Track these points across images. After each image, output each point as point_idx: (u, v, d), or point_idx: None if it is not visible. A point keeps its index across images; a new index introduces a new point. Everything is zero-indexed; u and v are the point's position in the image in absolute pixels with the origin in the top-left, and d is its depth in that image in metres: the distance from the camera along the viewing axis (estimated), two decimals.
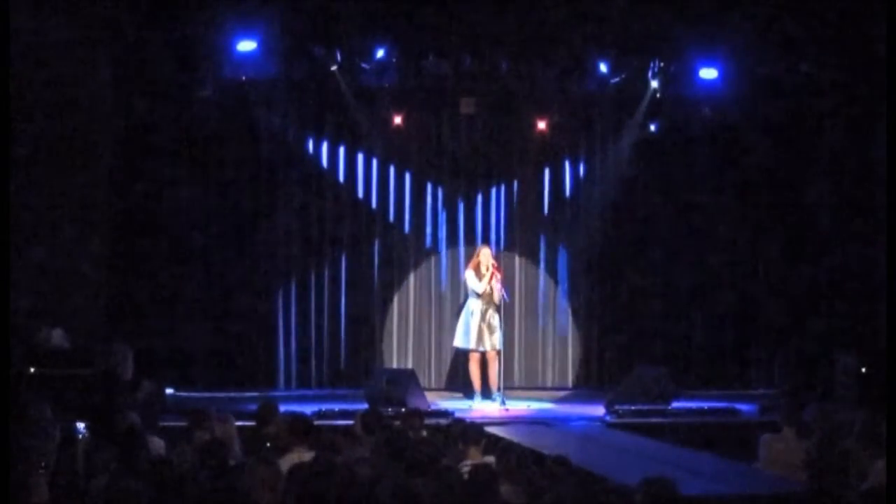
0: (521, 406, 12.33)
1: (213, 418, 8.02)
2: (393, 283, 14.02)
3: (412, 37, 13.05)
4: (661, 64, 13.48)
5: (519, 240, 14.22)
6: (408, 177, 14.06)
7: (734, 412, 11.77)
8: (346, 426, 8.55)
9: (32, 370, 10.05)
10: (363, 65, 13.16)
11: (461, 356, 13.22)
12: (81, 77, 12.17)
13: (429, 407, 11.45)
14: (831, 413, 8.44)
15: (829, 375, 12.35)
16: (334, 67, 13.07)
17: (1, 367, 8.61)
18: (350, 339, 13.88)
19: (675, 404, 11.79)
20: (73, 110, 12.10)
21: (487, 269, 12.48)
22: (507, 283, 12.98)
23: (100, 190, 12.50)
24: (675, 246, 14.19)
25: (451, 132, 14.03)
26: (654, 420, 11.27)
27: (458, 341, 12.84)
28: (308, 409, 10.69)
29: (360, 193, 13.99)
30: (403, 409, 10.31)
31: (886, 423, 7.07)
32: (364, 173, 14.00)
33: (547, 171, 14.26)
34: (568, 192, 14.33)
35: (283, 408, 8.96)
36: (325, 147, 13.90)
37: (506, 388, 12.48)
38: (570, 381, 14.21)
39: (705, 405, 12.11)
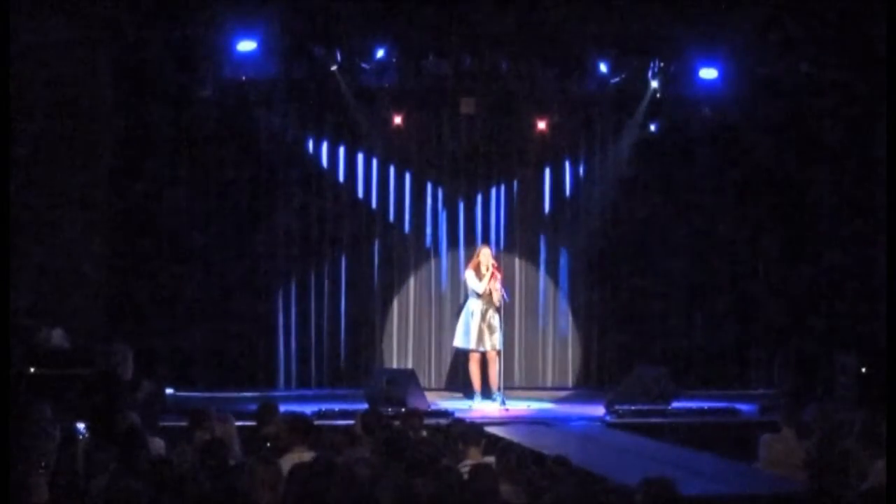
0: (521, 406, 12.32)
1: (213, 418, 8.02)
2: (393, 283, 14.02)
3: (412, 37, 13.05)
4: (661, 64, 13.48)
5: (519, 240, 14.22)
6: (408, 177, 14.06)
7: (734, 412, 11.77)
8: (346, 426, 8.54)
9: (32, 370, 10.05)
10: (363, 65, 13.16)
11: (461, 356, 13.22)
12: (81, 77, 12.17)
13: (429, 407, 11.45)
14: (831, 413, 8.45)
15: (829, 375, 12.36)
16: (334, 67, 13.07)
17: (1, 367, 8.61)
18: (350, 340, 13.88)
19: (675, 404, 11.79)
20: (73, 110, 12.10)
21: (487, 269, 12.48)
22: (507, 283, 12.98)
23: (100, 190, 12.50)
24: (675, 246, 14.19)
25: (451, 132, 14.03)
26: (654, 420, 11.27)
27: (459, 341, 12.84)
28: (308, 409, 10.68)
29: (360, 193, 13.99)
30: (403, 409, 10.31)
31: (886, 423, 7.07)
32: (364, 173, 14.00)
33: (547, 171, 14.27)
34: (568, 192, 14.34)
35: (283, 408, 8.95)
36: (324, 147, 13.90)
37: (506, 388, 12.48)
38: (570, 381, 14.21)
39: (705, 405, 12.10)
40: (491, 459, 6.97)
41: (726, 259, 14.22)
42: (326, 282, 13.86)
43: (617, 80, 13.51)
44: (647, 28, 12.98)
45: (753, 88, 13.61)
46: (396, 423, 8.68)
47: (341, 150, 13.93)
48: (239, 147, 13.52)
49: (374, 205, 13.97)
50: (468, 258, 13.23)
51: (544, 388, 13.93)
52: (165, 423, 9.83)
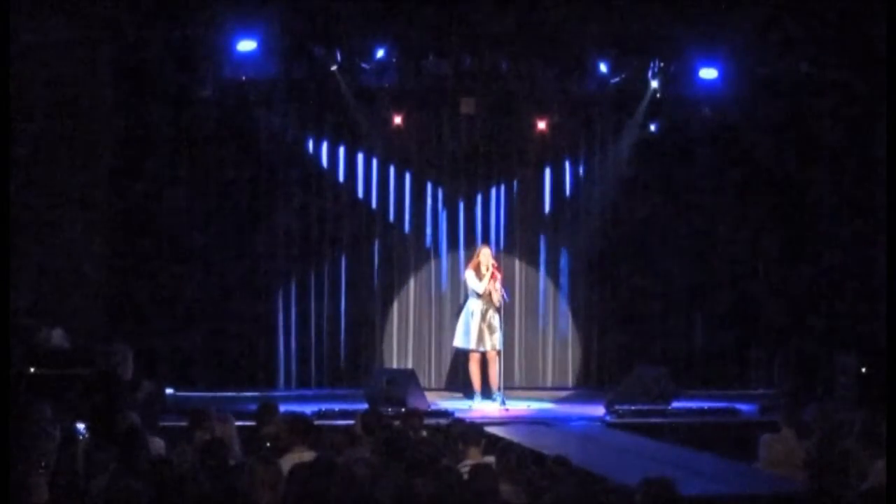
0: (521, 406, 12.32)
1: (213, 418, 8.02)
2: (393, 283, 14.02)
3: (412, 37, 13.05)
4: (661, 64, 13.48)
5: (519, 240, 14.22)
6: (408, 177, 14.06)
7: (734, 412, 11.77)
8: (346, 426, 8.54)
9: (32, 370, 10.05)
10: (363, 65, 13.16)
11: (461, 356, 13.22)
12: (81, 77, 12.17)
13: (429, 407, 11.45)
14: (831, 413, 8.45)
15: (829, 375, 12.37)
16: (334, 67, 13.07)
17: (1, 367, 8.61)
18: (350, 340, 13.88)
19: (675, 404, 11.79)
20: (73, 110, 12.10)
21: (487, 269, 12.48)
22: (507, 283, 12.98)
23: (100, 190, 12.50)
24: (675, 246, 14.19)
25: (451, 132, 14.03)
26: (654, 420, 11.27)
27: (459, 341, 12.84)
28: (308, 409, 10.68)
29: (360, 193, 13.99)
30: (403, 409, 10.31)
31: (886, 423, 7.08)
32: (364, 173, 14.00)
33: (547, 171, 14.27)
34: (568, 192, 14.34)
35: (283, 408, 8.95)
36: (324, 147, 13.90)
37: (506, 388, 12.48)
38: (570, 381, 14.21)
39: (705, 405, 12.10)
40: (491, 459, 6.97)
41: (726, 259, 14.22)
42: (326, 282, 13.86)
43: (617, 80, 13.51)
44: (647, 28, 12.98)
45: (753, 88, 13.61)
46: (396, 423, 8.68)
47: (341, 150, 13.93)
48: (239, 147, 13.52)
49: (374, 205, 13.97)
50: (468, 258, 13.23)
51: (544, 388, 13.93)
52: (165, 423, 9.83)
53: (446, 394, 13.41)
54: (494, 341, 12.53)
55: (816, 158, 13.88)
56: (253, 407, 9.37)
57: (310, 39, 13.00)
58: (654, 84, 13.56)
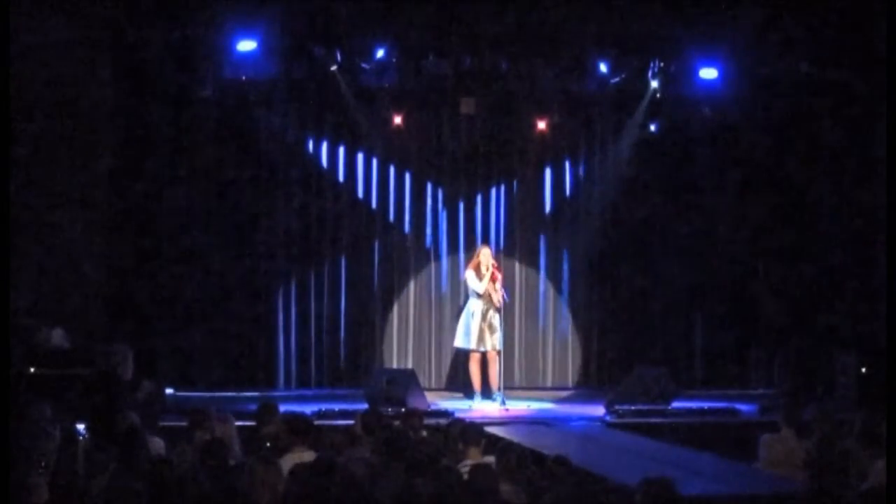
0: (521, 406, 12.32)
1: (213, 418, 8.02)
2: (393, 283, 14.02)
3: (412, 37, 13.05)
4: (661, 64, 13.47)
5: (519, 240, 14.22)
6: (408, 177, 14.06)
7: (734, 412, 11.76)
8: (346, 426, 8.53)
9: (32, 370, 10.05)
10: (363, 65, 13.16)
11: (461, 356, 13.22)
12: (81, 77, 12.17)
13: (429, 407, 11.44)
14: (831, 413, 8.46)
15: (829, 375, 12.37)
16: (334, 67, 13.06)
17: (1, 367, 8.61)
18: (350, 340, 13.88)
19: (675, 404, 11.78)
20: (73, 110, 12.10)
21: (487, 270, 12.48)
22: (508, 283, 12.98)
23: (100, 190, 12.50)
24: (675, 246, 14.19)
25: (451, 132, 14.02)
26: (654, 420, 11.26)
27: (459, 341, 12.83)
28: (308, 409, 10.68)
29: (360, 193, 13.99)
30: (403, 409, 10.29)
31: (886, 423, 7.08)
32: (364, 173, 14.00)
33: (547, 171, 14.27)
34: (568, 192, 14.34)
35: (283, 408, 8.94)
36: (325, 147, 13.90)
37: (506, 388, 12.47)
38: (570, 382, 14.21)
39: (705, 405, 12.09)
40: (491, 459, 6.97)
41: (726, 259, 14.22)
42: (326, 282, 13.86)
43: (617, 80, 13.51)
44: (647, 28, 12.98)
45: (753, 88, 13.61)
46: (396, 423, 8.67)
47: (341, 150, 13.93)
48: (239, 147, 13.52)
49: (374, 205, 13.97)
50: (468, 258, 13.23)
51: (544, 388, 13.93)
52: (165, 423, 9.82)
53: (446, 394, 13.41)
54: (495, 341, 12.53)
55: (816, 158, 13.87)
56: (253, 407, 9.36)
57: (310, 39, 13.00)
58: (654, 84, 13.56)
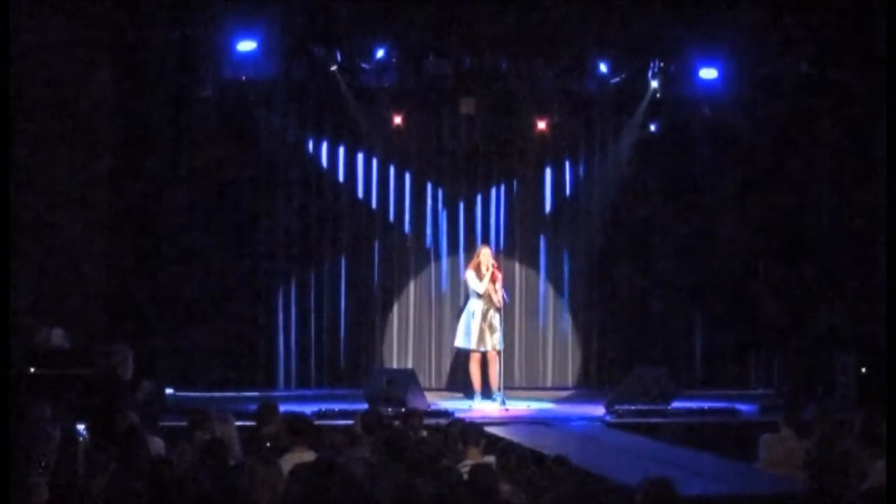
0: (521, 406, 12.32)
1: (213, 418, 8.02)
2: (393, 283, 14.02)
3: (412, 37, 13.05)
4: (661, 64, 13.48)
5: (519, 240, 14.22)
6: (408, 177, 14.06)
7: (734, 412, 11.76)
8: (346, 426, 8.53)
9: (32, 370, 10.06)
10: (363, 65, 13.16)
11: (461, 356, 13.23)
12: (81, 77, 12.16)
13: (429, 407, 11.44)
14: (831, 413, 8.47)
15: (829, 375, 12.37)
16: (334, 67, 13.06)
17: (1, 367, 8.61)
18: (350, 340, 13.88)
19: (675, 404, 11.79)
20: (73, 110, 12.09)
21: (487, 270, 12.48)
22: (508, 283, 12.99)
23: (100, 190, 12.49)
24: (675, 246, 14.19)
25: (451, 132, 14.03)
26: (654, 420, 11.26)
27: (459, 341, 12.83)
28: (308, 409, 10.68)
29: (360, 193, 13.99)
30: (403, 409, 10.29)
31: (886, 423, 7.08)
32: (364, 173, 14.00)
33: (547, 171, 14.27)
34: (568, 192, 14.34)
35: (283, 408, 8.94)
36: (324, 147, 13.90)
37: (506, 388, 12.48)
38: (570, 381, 14.21)
39: (705, 405, 12.10)
40: (491, 459, 6.97)
41: (726, 259, 14.22)
42: (326, 282, 13.86)
43: (617, 80, 13.51)
44: (647, 28, 12.98)
45: (753, 88, 13.61)
46: (396, 423, 8.67)
47: (341, 150, 13.93)
48: (239, 147, 13.51)
49: (374, 205, 13.97)
50: (468, 258, 13.23)
51: (544, 388, 13.93)
52: (165, 423, 9.82)
53: (446, 394, 13.41)
54: (495, 341, 12.53)
55: (816, 158, 13.87)
56: (253, 407, 9.36)
57: (310, 39, 13.00)
58: (654, 84, 13.56)
